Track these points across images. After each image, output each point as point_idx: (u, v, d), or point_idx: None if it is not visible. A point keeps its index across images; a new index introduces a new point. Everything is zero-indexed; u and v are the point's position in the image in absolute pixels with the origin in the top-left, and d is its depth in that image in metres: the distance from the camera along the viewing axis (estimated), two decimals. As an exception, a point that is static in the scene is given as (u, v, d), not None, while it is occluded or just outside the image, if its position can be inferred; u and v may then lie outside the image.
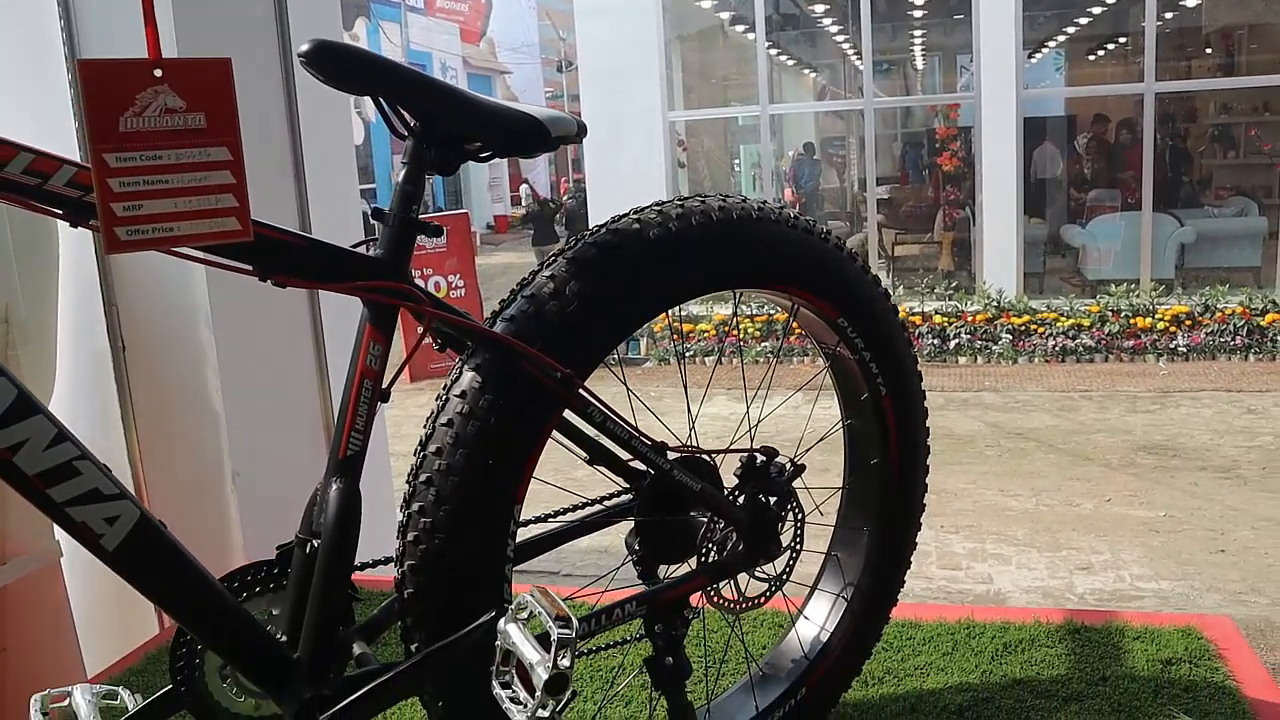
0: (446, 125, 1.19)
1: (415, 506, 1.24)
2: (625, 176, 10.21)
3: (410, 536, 1.24)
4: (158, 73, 0.87)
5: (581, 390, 1.26)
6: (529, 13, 24.76)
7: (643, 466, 1.46)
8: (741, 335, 9.18)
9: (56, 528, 2.53)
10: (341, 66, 1.13)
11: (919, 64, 14.39)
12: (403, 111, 1.18)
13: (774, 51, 11.98)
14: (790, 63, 14.52)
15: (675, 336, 8.12)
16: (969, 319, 9.18)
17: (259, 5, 2.65)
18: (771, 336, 9.20)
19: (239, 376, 2.58)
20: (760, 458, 1.50)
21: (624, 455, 1.43)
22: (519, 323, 1.25)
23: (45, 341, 2.51)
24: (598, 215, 10.44)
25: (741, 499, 1.48)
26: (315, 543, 1.20)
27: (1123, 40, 12.04)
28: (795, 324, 1.64)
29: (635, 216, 1.35)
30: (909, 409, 1.69)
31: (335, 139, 2.97)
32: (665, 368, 9.37)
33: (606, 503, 1.56)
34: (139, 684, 2.12)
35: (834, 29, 12.87)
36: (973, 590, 4.50)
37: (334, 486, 1.17)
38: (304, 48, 1.09)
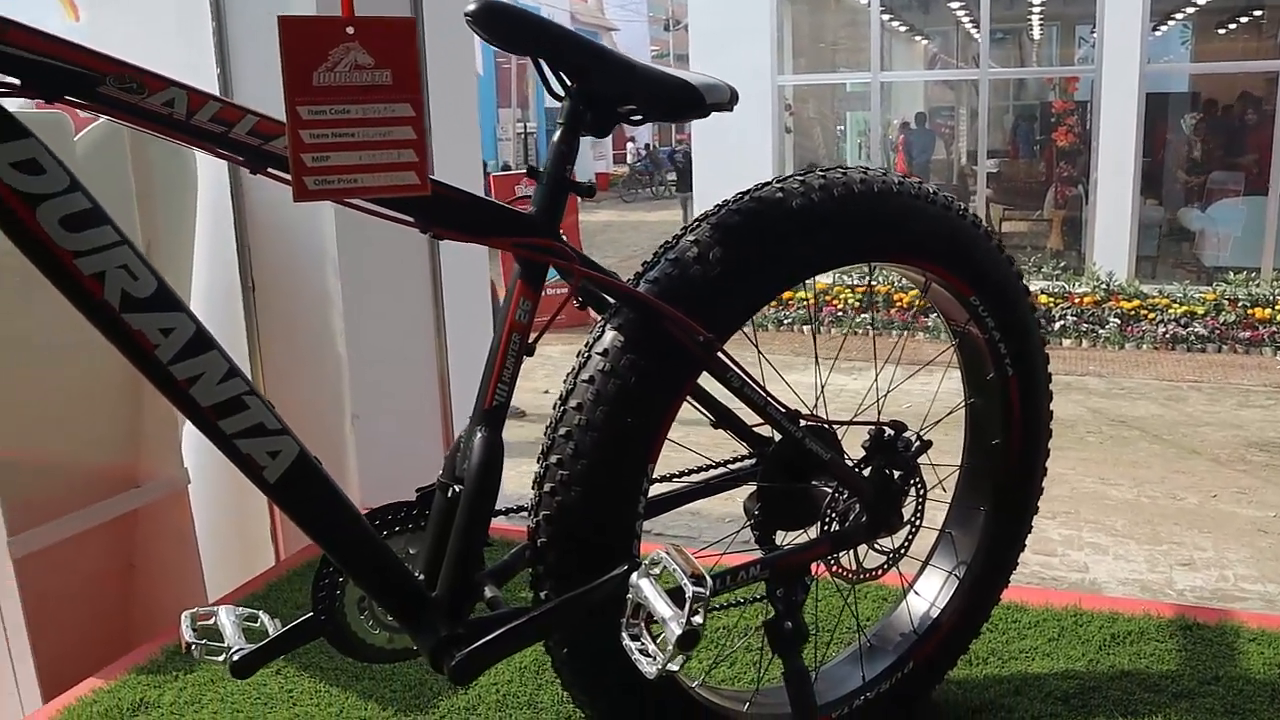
0: (603, 87, 1.21)
1: (553, 459, 1.27)
2: (731, 140, 10.14)
3: (547, 488, 1.28)
4: (350, 30, 0.91)
5: (721, 354, 1.27)
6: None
7: (767, 432, 1.48)
8: (841, 305, 9.10)
9: (184, 455, 2.63)
10: (507, 26, 1.15)
11: (1035, 34, 13.94)
12: (560, 73, 1.20)
13: (886, 17, 11.72)
14: (902, 29, 14.19)
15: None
16: (1076, 301, 8.95)
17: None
18: (872, 308, 9.10)
19: (361, 321, 2.66)
20: (889, 431, 1.50)
21: (749, 420, 1.45)
22: (662, 285, 1.27)
23: (182, 277, 2.62)
24: (703, 178, 10.41)
25: (868, 471, 1.49)
26: (456, 488, 1.24)
27: (1257, 13, 11.49)
28: (925, 300, 1.63)
29: (778, 185, 1.35)
30: (1034, 393, 1.68)
31: (459, 95, 3.01)
32: (759, 332, 9.32)
33: (730, 466, 1.58)
34: (260, 609, 2.22)
35: (950, -6, 12.54)
36: (1066, 578, 4.44)
37: (479, 435, 1.21)
38: (471, 7, 1.12)
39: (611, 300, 1.29)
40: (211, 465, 2.82)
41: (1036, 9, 12.87)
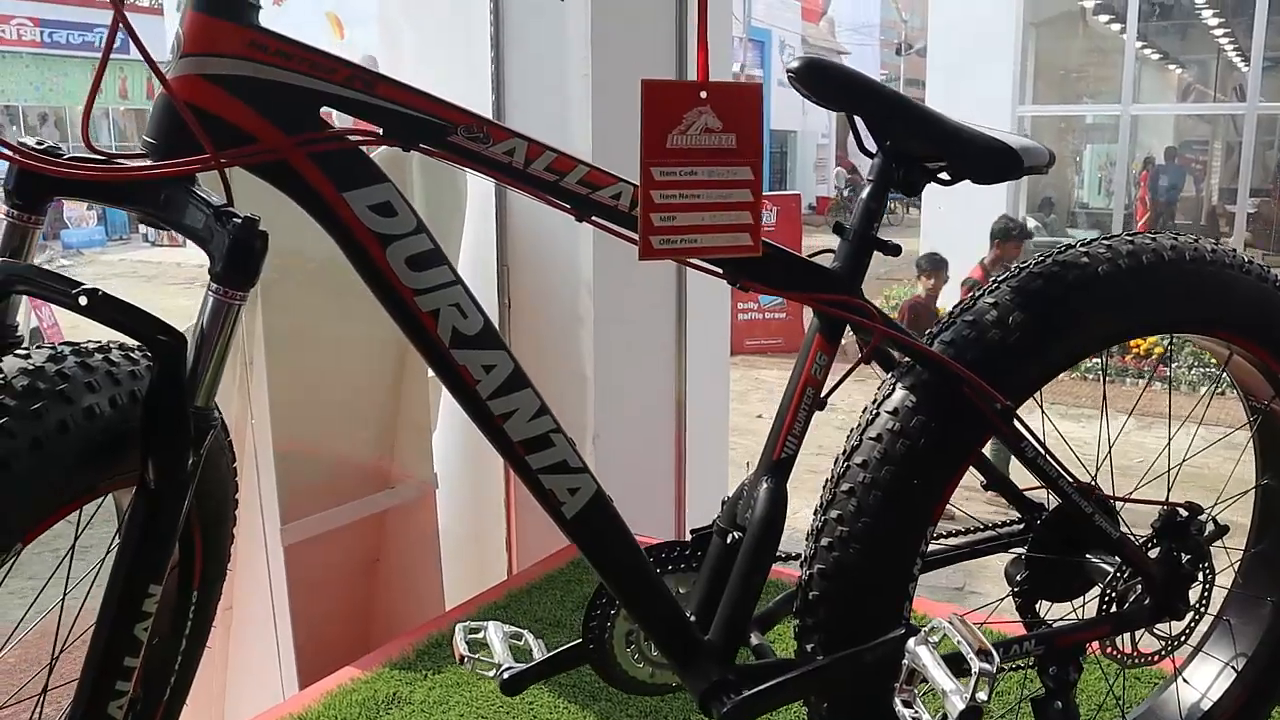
0: (917, 146, 1.20)
1: (833, 514, 1.26)
2: (963, 169, 9.82)
3: (824, 542, 1.27)
4: (703, 94, 0.93)
5: (1017, 423, 1.24)
6: (873, -8, 24.38)
7: (1041, 497, 1.42)
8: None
9: (435, 459, 2.76)
10: (827, 84, 1.16)
11: (1308, 65, 12.90)
12: (874, 129, 1.20)
13: (1139, 44, 11.12)
14: (1154, 56, 13.42)
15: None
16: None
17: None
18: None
19: (610, 344, 2.73)
20: (1183, 513, 1.42)
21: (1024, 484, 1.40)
22: (958, 347, 1.24)
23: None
24: (931, 207, 10.15)
25: (1156, 552, 1.41)
26: (736, 535, 1.25)
27: None
28: (1223, 372, 1.53)
29: (1084, 250, 1.30)
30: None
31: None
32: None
33: (999, 529, 1.53)
34: (500, 615, 2.30)
35: (1213, 21, 11.78)
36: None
37: (765, 485, 1.22)
38: (794, 65, 1.13)
39: (901, 357, 1.27)
40: (456, 471, 2.97)
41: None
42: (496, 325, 2.83)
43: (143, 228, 18.34)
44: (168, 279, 13.87)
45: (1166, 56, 13.69)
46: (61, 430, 0.88)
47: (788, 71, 1.14)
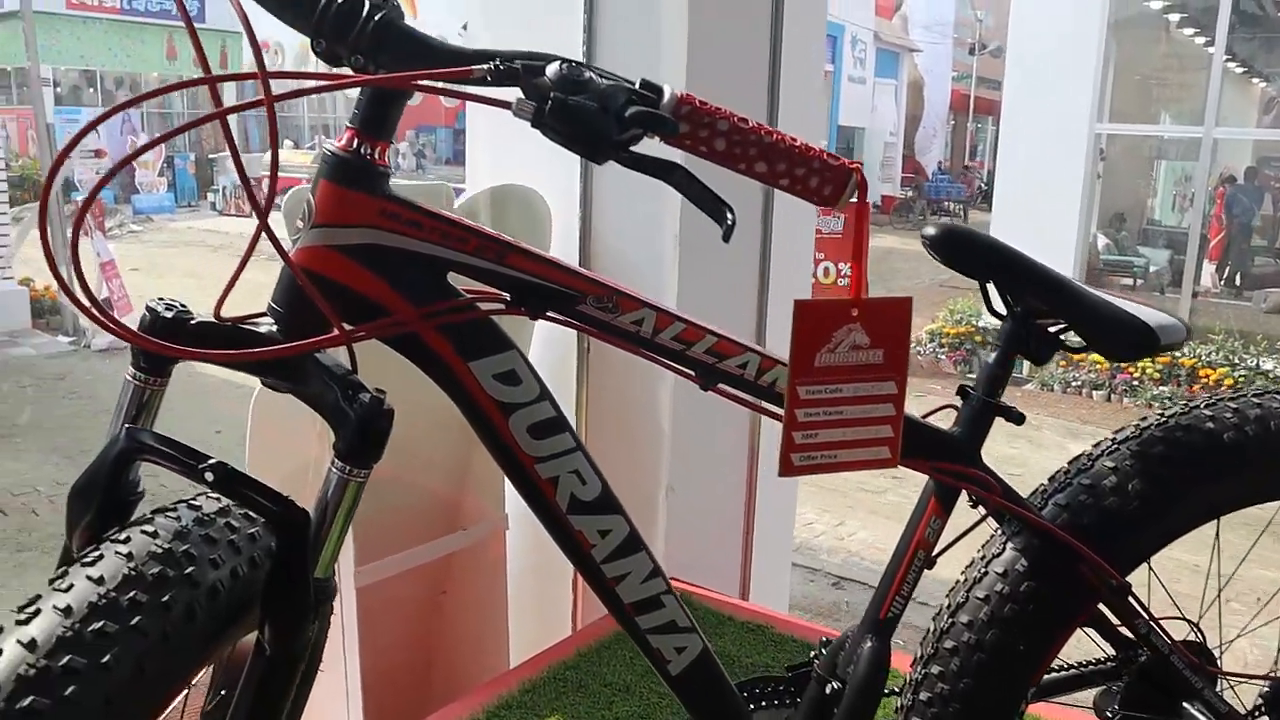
0: (1049, 316, 1.17)
1: (934, 669, 1.24)
2: (1036, 182, 9.65)
3: (923, 696, 1.25)
4: (854, 312, 0.91)
5: (1131, 599, 1.20)
6: (949, -11, 23.92)
7: (1130, 636, 1.39)
8: (1139, 374, 8.50)
9: (506, 500, 2.77)
10: (962, 250, 1.14)
11: None
12: (1006, 295, 1.17)
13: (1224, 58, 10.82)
14: (1238, 70, 13.05)
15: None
16: None
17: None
18: (1172, 380, 8.45)
19: (687, 397, 2.71)
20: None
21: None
22: (1074, 513, 1.21)
23: (523, 332, 2.77)
24: (1002, 218, 9.96)
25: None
26: (834, 685, 1.23)
27: None
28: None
29: (1209, 411, 1.26)
30: None
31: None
32: (1046, 394, 8.87)
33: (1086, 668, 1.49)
34: (568, 677, 2.30)
35: (1301, 34, 11.43)
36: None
37: (869, 643, 1.20)
38: (930, 232, 1.11)
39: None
40: (526, 509, 2.98)
41: None
42: (574, 373, 2.83)
43: (211, 195, 18.63)
44: (234, 250, 14.05)
45: (1250, 70, 13.32)
46: (189, 617, 0.88)
47: (923, 238, 1.11)
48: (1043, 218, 9.54)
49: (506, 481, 2.76)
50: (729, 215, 0.82)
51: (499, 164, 2.80)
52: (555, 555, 3.03)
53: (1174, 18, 11.14)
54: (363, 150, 0.95)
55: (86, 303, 0.89)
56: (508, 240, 1.00)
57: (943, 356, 9.33)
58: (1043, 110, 9.73)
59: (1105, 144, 10.51)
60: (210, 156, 19.59)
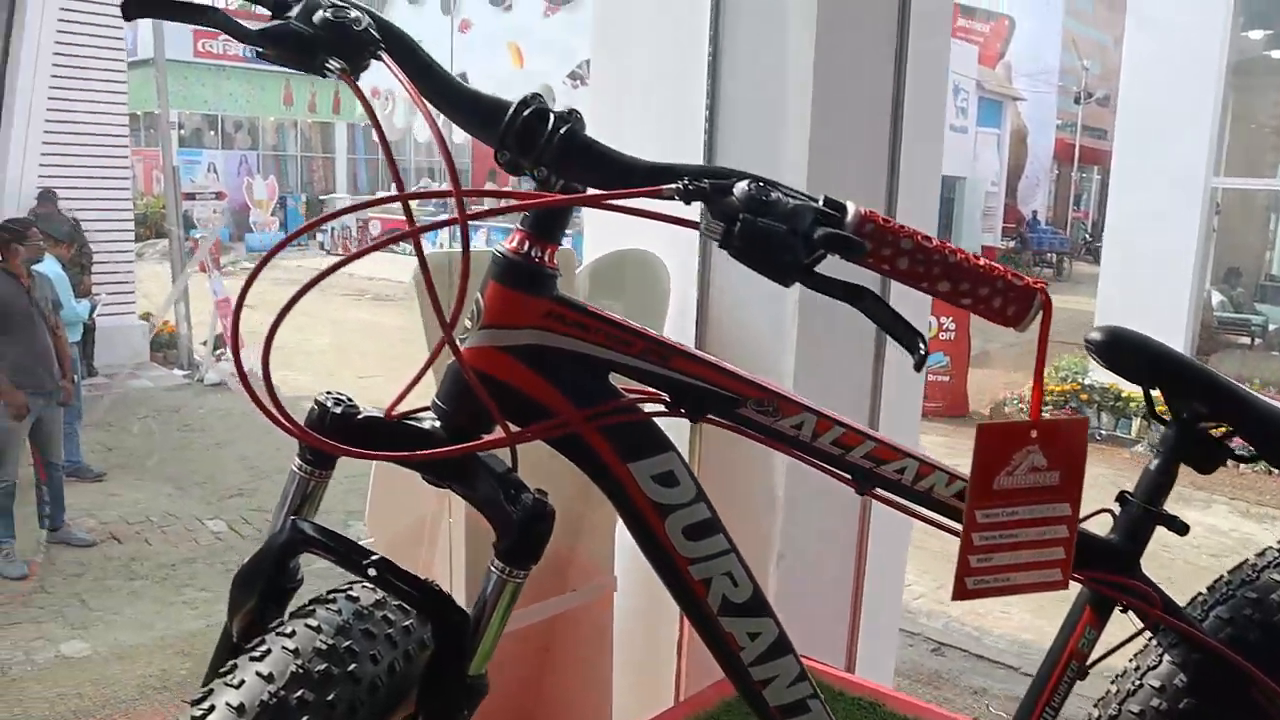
0: (1215, 420, 1.13)
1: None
2: (1147, 235, 9.37)
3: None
4: (1033, 434, 0.90)
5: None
6: (1054, 38, 23.49)
7: None
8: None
9: (616, 561, 2.76)
10: (1128, 356, 1.11)
11: None
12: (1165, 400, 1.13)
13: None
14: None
15: None
16: None
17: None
18: None
19: (801, 467, 2.68)
20: None
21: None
22: (1239, 628, 1.16)
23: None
24: (1110, 271, 9.70)
25: None
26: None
27: None
28: None
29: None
30: None
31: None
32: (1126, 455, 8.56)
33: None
34: (680, 747, 2.28)
35: None
36: None
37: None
38: (1095, 336, 1.08)
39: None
40: (633, 569, 2.96)
41: None
42: (687, 437, 2.82)
43: (319, 236, 19.20)
44: (340, 289, 14.42)
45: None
46: (349, 716, 0.90)
47: (1086, 342, 1.09)
48: (1154, 272, 9.27)
49: (617, 543, 2.77)
50: (921, 344, 0.82)
51: (620, 227, 2.83)
52: (662, 619, 3.03)
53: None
54: (532, 253, 0.96)
55: (270, 405, 0.91)
56: (671, 343, 1.01)
57: (1045, 414, 9.07)
58: (1155, 162, 9.46)
59: (1221, 198, 10.18)
60: (321, 197, 20.21)
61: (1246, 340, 10.95)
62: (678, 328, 2.80)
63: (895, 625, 3.41)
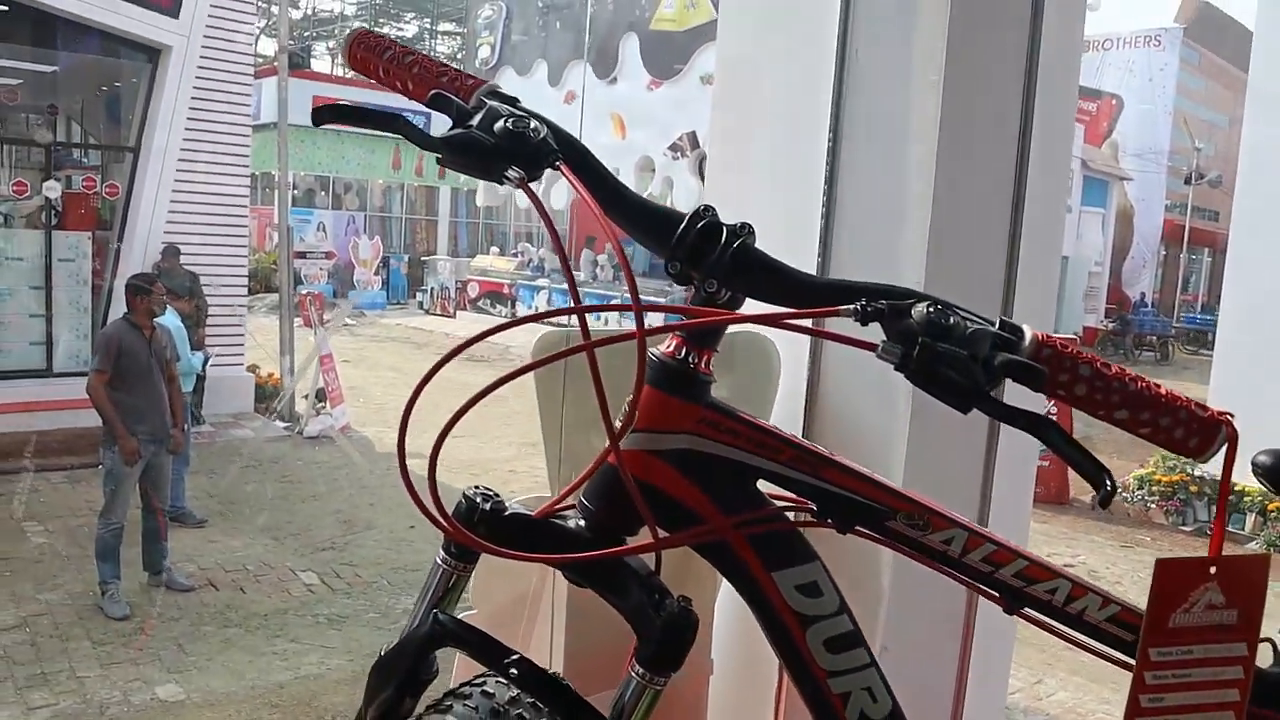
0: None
1: None
2: (1265, 321, 9.02)
3: None
4: (1212, 570, 0.86)
5: None
6: (1164, 117, 23.08)
7: None
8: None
9: (714, 647, 2.71)
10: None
11: None
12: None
13: None
14: None
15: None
16: None
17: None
18: None
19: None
20: None
21: None
22: None
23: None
24: (1225, 362, 9.38)
25: None
26: None
27: None
28: None
29: None
30: None
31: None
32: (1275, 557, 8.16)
33: None
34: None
35: None
36: None
37: None
38: (1263, 460, 1.03)
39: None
40: (730, 655, 2.91)
41: None
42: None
43: (419, 295, 19.65)
44: (436, 347, 14.72)
45: None
46: None
47: (1254, 466, 1.04)
48: (1273, 356, 8.90)
49: (715, 627, 2.73)
50: (1108, 481, 0.79)
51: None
52: (757, 705, 2.96)
53: None
54: (689, 359, 0.96)
55: (436, 513, 0.92)
56: (821, 452, 0.99)
57: (1153, 505, 8.76)
58: (1274, 242, 9.13)
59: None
60: (422, 259, 20.70)
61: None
62: (787, 411, 2.77)
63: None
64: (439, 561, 1.03)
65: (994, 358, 0.80)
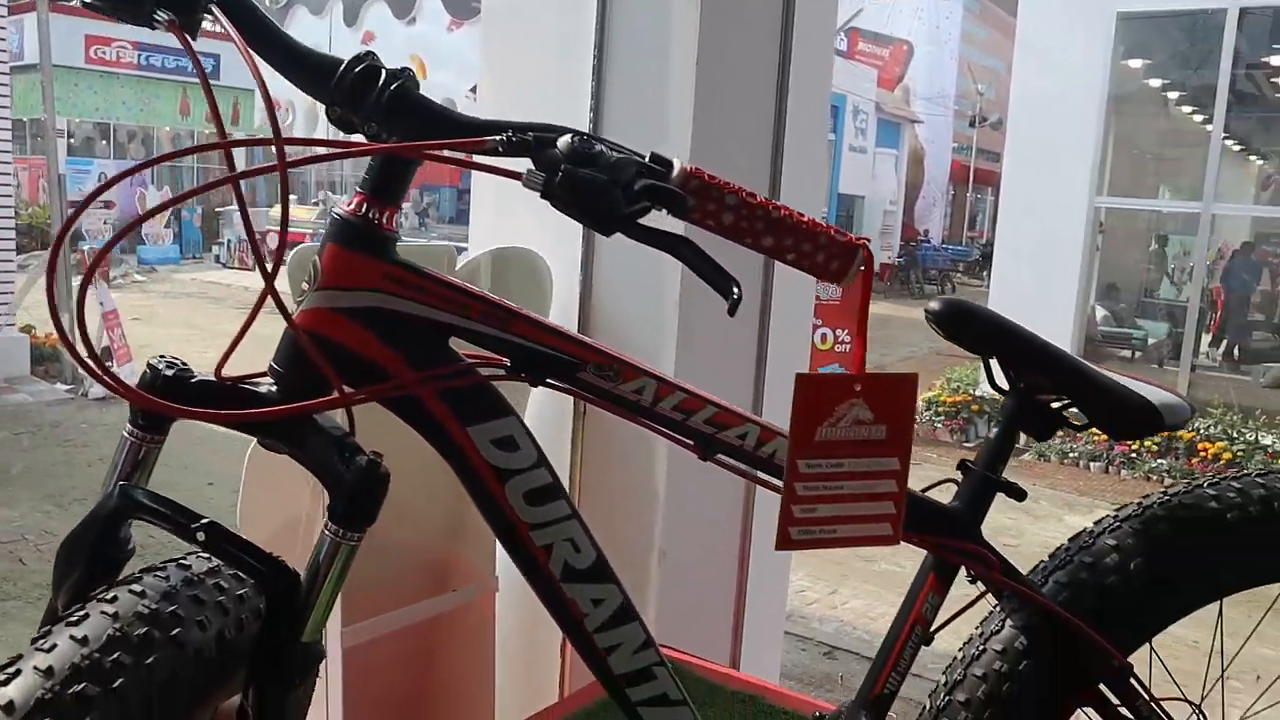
0: (1052, 392, 1.17)
1: (930, 750, 1.22)
2: (1033, 253, 9.73)
3: (919, 777, 1.22)
4: (857, 387, 0.91)
5: (1133, 680, 1.18)
6: (950, 64, 24.23)
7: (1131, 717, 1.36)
8: (1137, 448, 8.48)
9: (498, 562, 2.74)
10: (966, 326, 1.14)
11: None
12: (1009, 371, 1.17)
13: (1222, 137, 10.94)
14: (1236, 148, 13.21)
15: None
16: None
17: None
18: (1170, 453, 8.42)
19: (682, 461, 2.69)
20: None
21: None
22: (1075, 591, 1.20)
23: (519, 394, 2.75)
24: (1000, 287, 10.03)
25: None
26: (828, 764, 1.21)
27: None
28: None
29: (1211, 490, 1.25)
30: None
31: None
32: (1042, 464, 8.84)
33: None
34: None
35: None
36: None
37: (863, 719, 1.18)
38: (934, 306, 1.11)
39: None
40: (516, 573, 2.94)
41: None
42: (570, 430, 2.81)
43: (216, 248, 18.72)
44: (235, 301, 14.10)
45: (1246, 148, 13.49)
46: (170, 681, 0.87)
47: (927, 312, 1.11)
48: (1040, 287, 9.61)
49: (499, 543, 2.75)
50: (735, 290, 0.83)
51: (502, 226, 2.82)
52: (545, 620, 2.99)
53: (1172, 95, 11.32)
54: (371, 215, 0.95)
55: (87, 358, 0.88)
56: (511, 307, 1.00)
57: (939, 425, 9.32)
58: (1042, 183, 9.83)
59: (1104, 216, 10.59)
60: (217, 210, 19.74)
61: (1128, 353, 11.38)
62: (561, 323, 2.79)
63: (780, 623, 3.43)
64: (125, 434, 1.00)
65: (636, 183, 0.83)
